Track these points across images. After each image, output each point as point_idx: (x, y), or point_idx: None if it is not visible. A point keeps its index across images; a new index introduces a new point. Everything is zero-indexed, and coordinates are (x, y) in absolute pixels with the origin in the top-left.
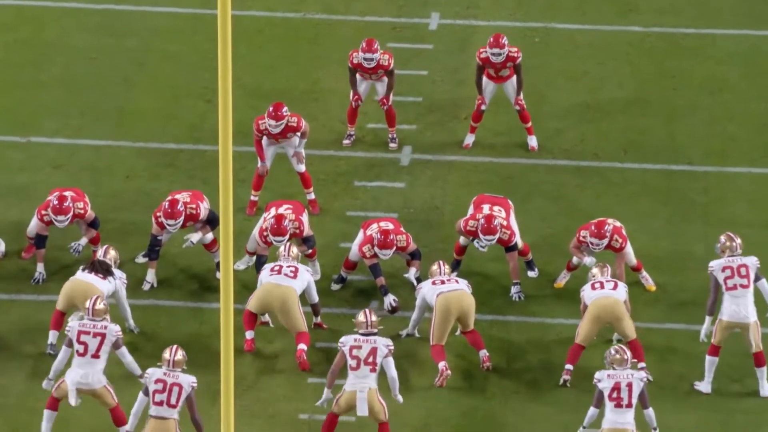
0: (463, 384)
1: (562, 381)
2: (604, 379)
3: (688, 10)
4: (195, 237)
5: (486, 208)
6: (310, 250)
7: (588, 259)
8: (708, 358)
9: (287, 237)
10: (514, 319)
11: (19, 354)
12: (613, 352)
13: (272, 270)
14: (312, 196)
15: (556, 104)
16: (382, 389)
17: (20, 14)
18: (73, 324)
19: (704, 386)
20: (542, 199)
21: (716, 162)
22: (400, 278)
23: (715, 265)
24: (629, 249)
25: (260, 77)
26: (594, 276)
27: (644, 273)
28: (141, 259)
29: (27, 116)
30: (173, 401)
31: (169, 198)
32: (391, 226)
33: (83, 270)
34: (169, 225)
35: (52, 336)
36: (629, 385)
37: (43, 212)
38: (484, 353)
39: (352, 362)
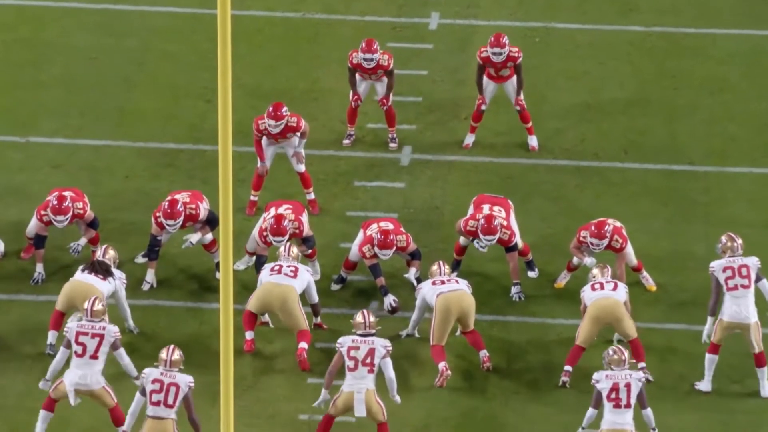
0: (464, 384)
1: (561, 382)
2: (602, 380)
3: (688, 9)
4: (194, 237)
5: (486, 208)
6: (310, 251)
7: (588, 260)
8: (708, 356)
9: (287, 237)
10: (515, 319)
11: (18, 354)
12: (611, 352)
13: (272, 270)
14: (312, 196)
15: (556, 104)
16: (381, 390)
17: (20, 14)
18: (71, 325)
19: (704, 385)
20: (542, 199)
21: (717, 162)
22: (400, 278)
23: (716, 265)
24: (630, 249)
25: (260, 77)
26: (594, 277)
27: (645, 273)
28: (140, 260)
29: (26, 116)
30: (170, 401)
31: (169, 198)
32: (391, 226)
33: (83, 271)
34: (168, 225)
35: (52, 336)
36: (628, 386)
37: (43, 212)
38: (484, 354)
39: (349, 363)
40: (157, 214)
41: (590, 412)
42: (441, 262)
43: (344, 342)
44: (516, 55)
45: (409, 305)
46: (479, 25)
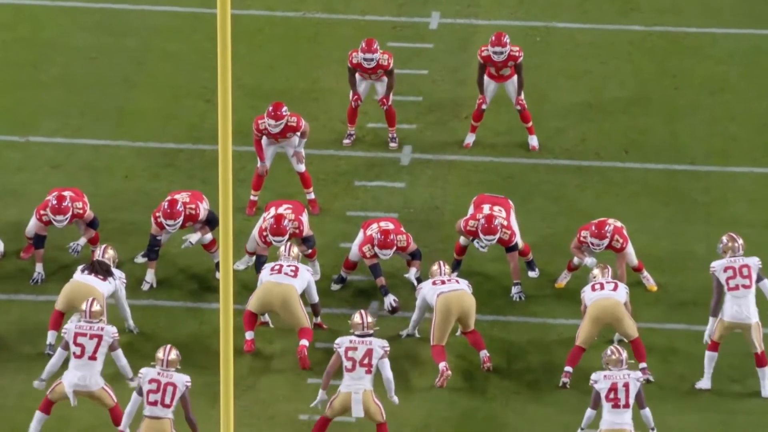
0: (464, 385)
1: (561, 383)
2: (600, 380)
3: (689, 9)
4: (194, 237)
5: (486, 208)
6: (310, 250)
7: (589, 260)
8: (707, 353)
9: (287, 237)
10: (515, 319)
11: (18, 354)
12: (608, 352)
13: (272, 269)
14: (312, 195)
15: (557, 104)
16: (379, 391)
17: (19, 13)
18: (69, 326)
19: (704, 383)
20: (543, 199)
21: (717, 162)
22: (400, 278)
23: (716, 265)
24: (630, 249)
25: (260, 77)
26: (595, 277)
27: (645, 273)
28: (140, 259)
29: (26, 116)
30: (167, 401)
31: (169, 198)
32: (391, 226)
33: (82, 271)
34: (168, 225)
35: (51, 336)
36: (626, 386)
37: (42, 212)
38: (484, 354)
39: (347, 363)
40: (157, 214)
41: (589, 412)
42: (441, 262)
43: (342, 342)
44: (517, 54)
45: (410, 305)
46: (480, 25)
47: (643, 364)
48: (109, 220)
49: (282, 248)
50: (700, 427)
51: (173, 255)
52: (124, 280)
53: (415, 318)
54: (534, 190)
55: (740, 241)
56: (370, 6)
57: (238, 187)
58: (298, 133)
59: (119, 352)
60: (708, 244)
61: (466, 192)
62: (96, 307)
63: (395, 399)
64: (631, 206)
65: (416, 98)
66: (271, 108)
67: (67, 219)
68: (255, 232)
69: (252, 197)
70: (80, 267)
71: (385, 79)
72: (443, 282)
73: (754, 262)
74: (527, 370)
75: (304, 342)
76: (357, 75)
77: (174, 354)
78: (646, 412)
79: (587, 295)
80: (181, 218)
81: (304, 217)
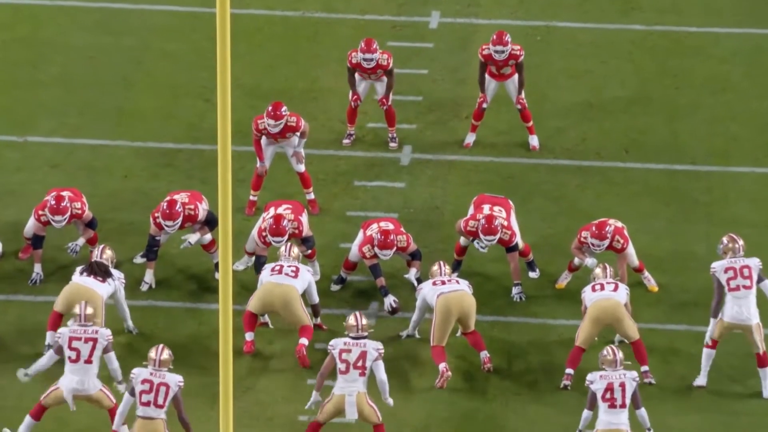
0: (464, 385)
1: (562, 385)
2: (596, 381)
3: (690, 8)
4: (193, 238)
5: (486, 209)
6: (310, 251)
7: (589, 260)
8: (705, 350)
9: (286, 237)
10: (515, 320)
11: (17, 355)
12: (604, 353)
13: (273, 270)
14: (311, 196)
15: (557, 103)
16: (374, 392)
17: (17, 13)
18: (63, 330)
19: (700, 380)
20: (543, 199)
21: (719, 162)
22: (400, 279)
23: (717, 266)
24: (631, 250)
25: (259, 76)
26: (596, 277)
27: (646, 273)
28: (139, 260)
29: (24, 115)
30: (160, 401)
31: (168, 198)
32: (391, 227)
33: (81, 273)
34: (167, 226)
35: (50, 337)
36: (622, 385)
37: (40, 212)
38: (485, 354)
39: (341, 366)
40: (156, 215)
41: (586, 413)
42: (441, 263)
43: (336, 344)
44: (518, 53)
45: (410, 306)
46: (480, 24)
47: (645, 367)
48: (108, 220)
49: (282, 249)
50: (701, 427)
51: (172, 255)
52: (123, 281)
53: (415, 318)
54: (534, 190)
55: (741, 242)
56: (370, 5)
57: (237, 188)
58: (298, 133)
59: (112, 354)
60: (709, 244)
61: (466, 192)
62: (89, 311)
63: (390, 401)
64: (632, 206)
65: (416, 98)
66: (270, 108)
67: (65, 219)
68: (254, 232)
69: (251, 197)
70: (79, 268)
71: (385, 78)
72: (443, 282)
73: (755, 262)
74: (528, 371)
75: (303, 341)
76: (356, 75)
77: (166, 354)
78: (642, 412)
79: (587, 295)
80: (180, 219)
81: (304, 218)
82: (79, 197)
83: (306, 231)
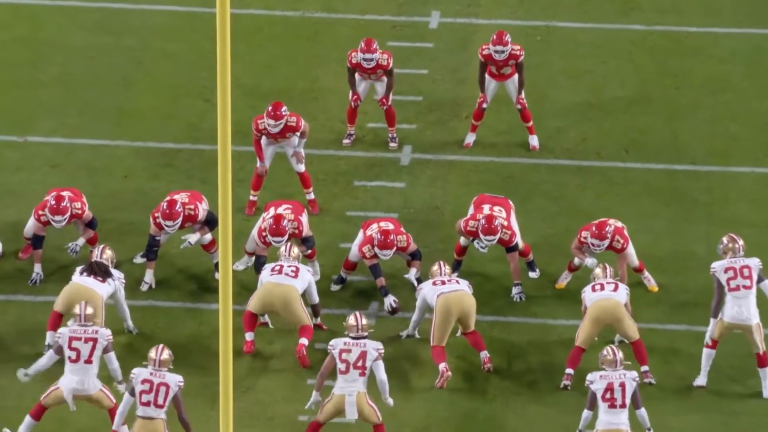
0: (464, 385)
1: (562, 385)
2: (596, 381)
3: (690, 8)
4: (193, 238)
5: (486, 209)
6: (310, 251)
7: (589, 260)
8: (705, 350)
9: (286, 237)
10: (515, 320)
11: (16, 355)
12: (604, 353)
13: (273, 270)
14: (311, 196)
15: (557, 103)
16: (374, 392)
17: (17, 12)
18: (63, 330)
19: (700, 380)
20: (543, 199)
21: (719, 162)
22: (400, 279)
23: (717, 266)
24: (631, 250)
25: (259, 76)
26: (596, 277)
27: (646, 274)
28: (139, 260)
29: (24, 115)
30: (160, 401)
31: (168, 199)
32: (391, 227)
33: (81, 273)
34: (167, 226)
35: (50, 337)
36: (622, 385)
37: (40, 212)
38: (485, 354)
39: (341, 366)
40: (156, 215)
41: (586, 413)
42: (441, 263)
43: (336, 344)
44: (518, 53)
45: (410, 306)
46: (480, 24)
47: (645, 368)
48: (108, 220)
49: (282, 249)
50: (701, 427)
51: (172, 255)
52: (123, 281)
53: (415, 319)
54: (534, 190)
55: (740, 242)
56: (370, 5)
57: (237, 188)
58: (298, 133)
59: (112, 354)
60: (709, 244)
61: (466, 192)
62: (89, 311)
63: (390, 401)
64: (632, 206)
65: (416, 98)
66: (270, 108)
67: (65, 219)
68: (254, 232)
69: (251, 197)
70: (79, 269)
71: (385, 78)
72: (443, 282)
73: (755, 262)
74: (528, 371)
75: (303, 341)
76: (356, 75)
77: (166, 354)
78: (642, 412)
79: (587, 295)
80: (180, 219)
81: (304, 218)
82: (79, 197)
83: (306, 231)
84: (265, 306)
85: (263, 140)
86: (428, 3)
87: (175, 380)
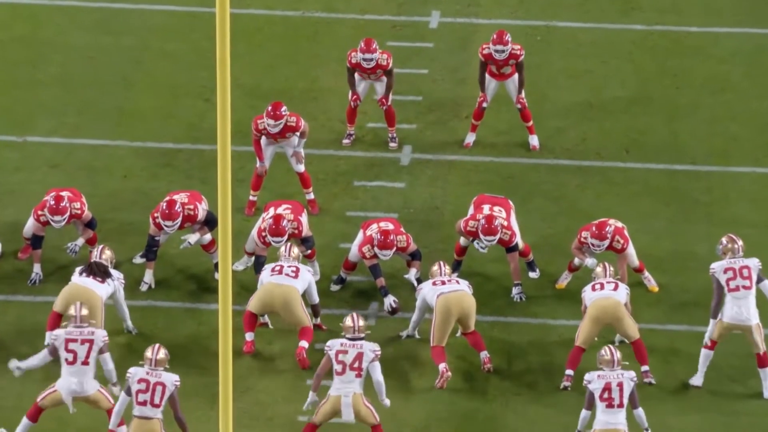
0: (464, 386)
1: (562, 386)
2: (594, 380)
3: (690, 8)
4: (192, 238)
5: (486, 209)
6: (309, 251)
7: (589, 261)
8: (703, 351)
9: (286, 237)
10: (515, 320)
11: (16, 355)
12: (602, 353)
13: (273, 270)
14: (311, 196)
15: (557, 103)
16: (371, 393)
17: (16, 12)
18: (59, 332)
19: (697, 379)
20: (543, 199)
21: (719, 162)
22: (400, 279)
23: (716, 266)
24: (631, 250)
25: (259, 76)
26: (597, 276)
27: (647, 274)
28: (138, 260)
29: (23, 115)
30: (157, 401)
31: (167, 199)
32: (391, 227)
33: (81, 273)
34: (166, 226)
35: (49, 337)
36: (620, 385)
37: (40, 212)
38: (485, 355)
39: (337, 367)
40: (155, 215)
41: (584, 413)
42: (441, 263)
43: (333, 345)
44: (518, 52)
45: (410, 306)
46: (480, 24)
47: (645, 367)
48: (108, 220)
49: (282, 249)
50: (701, 427)
51: (172, 255)
52: (123, 281)
53: (415, 319)
54: (534, 190)
55: (740, 243)
56: (370, 5)
57: (237, 188)
58: (298, 133)
59: (107, 355)
60: (709, 244)
61: (466, 192)
62: (84, 312)
63: (387, 402)
64: (632, 206)
65: (416, 98)
66: (270, 108)
67: (64, 219)
68: (254, 232)
69: (251, 197)
70: (78, 269)
71: (385, 78)
72: (443, 283)
73: (754, 263)
74: (528, 371)
75: (304, 343)
76: (356, 75)
77: (162, 353)
78: (639, 412)
79: (587, 294)
80: (180, 219)
81: (304, 218)
82: (78, 197)
83: (305, 231)
84: (265, 306)
85: (263, 140)
86: (428, 3)
87: (171, 379)
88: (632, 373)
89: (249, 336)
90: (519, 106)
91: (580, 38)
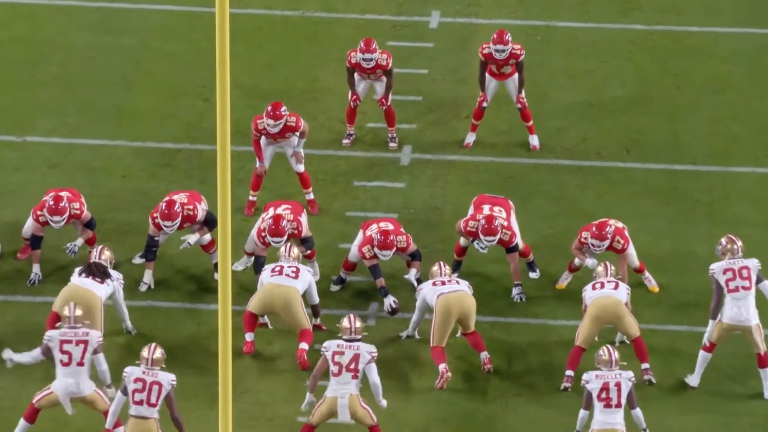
0: (464, 386)
1: (563, 387)
2: (592, 380)
3: (690, 8)
4: (192, 238)
5: (486, 209)
6: (309, 251)
7: (590, 261)
8: (702, 353)
9: (285, 238)
10: (516, 320)
11: None
12: (600, 353)
13: (273, 271)
14: (311, 196)
15: (557, 103)
16: (368, 394)
17: (16, 12)
18: (53, 333)
19: (693, 379)
20: (543, 199)
21: (719, 162)
22: (400, 279)
23: (716, 267)
24: (632, 250)
25: (259, 76)
26: (598, 276)
27: (647, 274)
28: (138, 260)
29: (23, 115)
30: (153, 400)
31: (167, 199)
32: (390, 227)
33: (80, 274)
34: (166, 226)
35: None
36: (618, 385)
37: (39, 213)
38: (485, 355)
39: (333, 368)
40: (155, 215)
41: (582, 413)
42: (441, 263)
43: (329, 346)
44: (518, 52)
45: (410, 306)
46: (480, 24)
47: (645, 365)
48: (107, 220)
49: (282, 249)
50: (701, 427)
51: (171, 256)
52: (122, 282)
53: (415, 319)
54: (534, 190)
55: (739, 243)
56: (370, 5)
57: (236, 188)
58: (297, 133)
59: (101, 356)
60: (710, 244)
61: (466, 192)
62: (78, 312)
63: (383, 403)
64: (632, 206)
65: (416, 98)
66: (269, 108)
67: (64, 219)
68: (253, 232)
69: (251, 197)
70: (77, 269)
71: (384, 78)
72: (443, 283)
73: (754, 263)
74: (528, 372)
75: (304, 346)
76: (356, 75)
77: (159, 353)
78: (637, 412)
79: (588, 293)
80: (179, 219)
81: (303, 218)
82: (77, 197)
83: (305, 231)
84: (265, 307)
85: (262, 140)
86: (428, 3)
87: (167, 379)
88: (630, 374)
89: (249, 336)
90: (519, 105)
91: (581, 38)
